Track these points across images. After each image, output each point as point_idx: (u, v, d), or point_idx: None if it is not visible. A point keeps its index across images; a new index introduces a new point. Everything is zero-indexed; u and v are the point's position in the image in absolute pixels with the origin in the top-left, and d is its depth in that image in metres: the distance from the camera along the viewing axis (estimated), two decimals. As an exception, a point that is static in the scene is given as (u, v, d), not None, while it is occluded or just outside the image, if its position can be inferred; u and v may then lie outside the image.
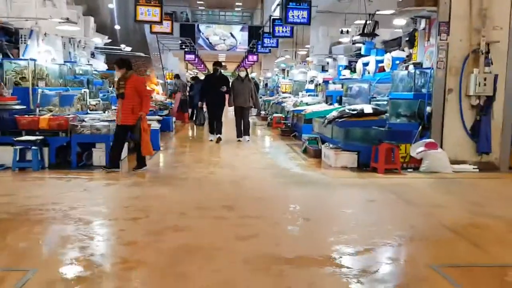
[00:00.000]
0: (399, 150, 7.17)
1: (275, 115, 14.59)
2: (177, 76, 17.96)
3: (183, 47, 29.45)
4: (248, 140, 10.30)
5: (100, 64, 13.48)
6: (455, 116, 7.39)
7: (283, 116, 14.02)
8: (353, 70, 12.72)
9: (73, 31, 10.33)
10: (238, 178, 6.40)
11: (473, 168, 7.31)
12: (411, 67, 8.05)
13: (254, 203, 5.06)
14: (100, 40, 13.08)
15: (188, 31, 31.94)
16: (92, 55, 13.82)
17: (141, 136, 6.66)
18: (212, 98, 10.29)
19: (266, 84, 28.05)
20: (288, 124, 12.94)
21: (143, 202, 5.02)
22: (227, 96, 10.55)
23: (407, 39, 9.17)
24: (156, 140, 8.84)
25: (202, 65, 39.99)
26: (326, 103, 11.49)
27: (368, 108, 7.41)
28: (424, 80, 7.61)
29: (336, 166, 7.48)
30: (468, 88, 7.30)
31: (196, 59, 29.86)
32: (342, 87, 10.77)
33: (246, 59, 30.70)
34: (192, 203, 4.94)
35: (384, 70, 9.74)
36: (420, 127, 7.45)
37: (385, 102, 7.79)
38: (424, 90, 7.54)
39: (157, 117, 9.19)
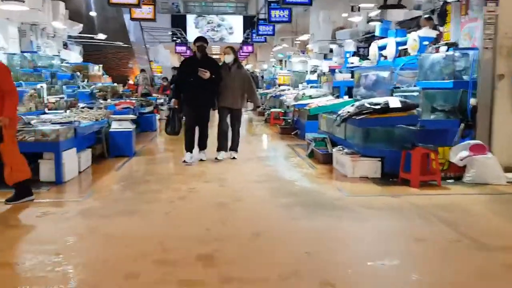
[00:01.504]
0: (438, 157, 5.51)
1: (272, 110, 12.90)
2: (142, 70, 16.13)
3: (174, 39, 27.74)
4: (235, 158, 6.97)
5: (73, 56, 11.77)
6: (507, 109, 5.73)
7: (282, 111, 12.33)
8: (362, 57, 11.04)
9: (33, 16, 8.62)
10: (227, 198, 4.73)
11: (532, 177, 5.66)
12: (443, 48, 6.38)
13: (246, 248, 3.37)
14: (71, 28, 11.36)
15: (180, 22, 30.16)
16: (65, 45, 12.12)
17: (4, 153, 4.46)
18: (192, 93, 6.63)
19: (262, 77, 26.32)
20: (288, 121, 11.26)
21: (81, 248, 3.36)
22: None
23: (426, 17, 7.49)
24: (129, 144, 7.17)
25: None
26: (333, 95, 9.81)
27: (394, 102, 5.74)
28: (465, 65, 5.93)
29: (353, 176, 5.83)
30: (524, 73, 5.65)
31: (188, 51, 28.08)
32: (352, 77, 9.10)
33: (241, 50, 28.98)
34: (153, 250, 3.26)
35: (403, 55, 8.06)
36: (462, 124, 5.78)
37: (414, 94, 6.12)
38: (466, 77, 5.87)
39: (130, 116, 7.49)
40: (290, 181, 5.68)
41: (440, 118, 5.88)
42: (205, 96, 6.72)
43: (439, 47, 6.58)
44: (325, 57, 14.49)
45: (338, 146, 6.61)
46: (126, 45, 14.46)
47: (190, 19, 31.87)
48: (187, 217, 4.11)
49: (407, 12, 10.39)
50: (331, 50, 13.73)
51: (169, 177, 5.78)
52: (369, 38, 10.87)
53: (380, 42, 8.37)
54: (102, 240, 3.53)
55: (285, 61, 19.64)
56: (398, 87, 6.65)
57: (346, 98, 8.78)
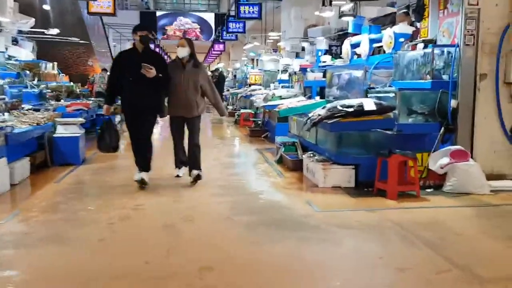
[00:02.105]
0: (417, 165, 4.99)
1: (242, 111, 12.29)
2: (104, 70, 15.22)
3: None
4: (198, 177, 5.36)
5: (23, 52, 10.86)
6: (491, 112, 5.26)
7: (253, 112, 11.74)
8: (335, 56, 10.55)
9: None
10: (178, 217, 4.06)
11: (517, 185, 5.20)
12: (420, 46, 5.88)
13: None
14: (21, 23, 10.45)
15: (149, 20, 29.18)
16: (15, 41, 11.19)
17: None
18: (132, 95, 5.14)
19: (235, 76, 25.66)
20: (259, 122, 10.67)
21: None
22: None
23: (405, 12, 7.01)
24: (76, 151, 6.42)
25: (165, 56, 37.27)
26: (305, 96, 9.26)
27: (369, 104, 5.19)
28: (444, 63, 5.43)
29: (325, 186, 5.26)
30: (508, 73, 5.17)
31: (157, 49, 27.19)
32: (324, 76, 8.55)
33: (212, 49, 28.29)
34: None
35: (378, 53, 7.56)
36: (442, 128, 5.28)
37: (390, 95, 5.58)
38: (445, 77, 5.37)
39: (77, 119, 6.74)
40: (255, 193, 5.06)
41: (419, 122, 5.37)
42: (149, 100, 5.18)
43: (416, 44, 6.09)
44: (297, 55, 13.95)
45: (309, 152, 6.04)
46: (84, 42, 13.56)
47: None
48: (124, 245, 3.43)
49: (381, 9, 9.94)
50: (303, 49, 13.20)
51: (117, 190, 5.07)
52: (342, 35, 10.37)
53: (353, 40, 7.85)
54: (7, 284, 2.83)
55: (257, 60, 19.04)
56: (373, 88, 6.12)
57: (318, 99, 8.24)
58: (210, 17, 27.99)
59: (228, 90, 20.24)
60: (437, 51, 5.36)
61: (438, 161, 5.18)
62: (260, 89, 13.68)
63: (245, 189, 5.32)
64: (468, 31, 5.13)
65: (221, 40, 21.70)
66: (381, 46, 7.05)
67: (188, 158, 5.53)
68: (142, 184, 5.14)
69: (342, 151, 5.38)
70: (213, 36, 26.97)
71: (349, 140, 5.40)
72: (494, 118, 5.26)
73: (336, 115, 5.20)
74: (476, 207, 4.51)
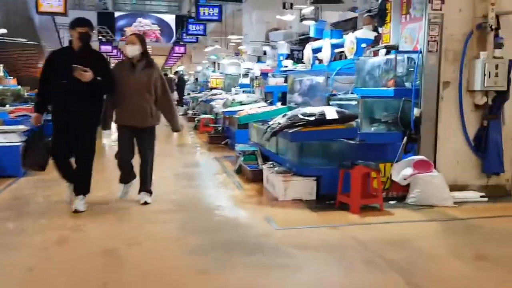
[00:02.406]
0: (380, 176, 4.77)
1: (202, 116, 11.90)
2: None
3: (100, 37, 25.96)
4: (147, 202, 4.73)
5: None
6: (454, 121, 5.12)
7: (213, 117, 11.36)
8: (297, 60, 10.32)
9: None
10: (121, 240, 3.64)
11: (480, 196, 5.07)
12: (382, 51, 5.69)
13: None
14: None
15: (108, 21, 28.27)
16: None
17: None
18: (63, 103, 4.42)
19: (197, 79, 25.17)
20: (219, 129, 10.31)
21: None
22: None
23: (370, 15, 6.85)
24: (16, 162, 5.83)
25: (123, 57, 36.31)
26: (266, 101, 8.98)
27: (331, 112, 4.93)
28: (407, 70, 5.25)
29: (285, 199, 4.97)
30: (471, 81, 5.04)
31: (115, 50, 26.34)
32: (286, 81, 8.30)
33: (173, 52, 27.69)
34: None
35: (339, 59, 7.35)
36: (405, 138, 5.09)
37: (352, 103, 5.36)
38: (408, 85, 5.19)
39: (18, 127, 6.18)
40: (210, 209, 4.70)
41: (381, 131, 5.16)
42: (84, 109, 4.37)
43: (377, 50, 5.90)
44: (259, 59, 13.68)
45: (269, 162, 5.73)
46: (33, 43, 12.79)
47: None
48: (56, 276, 3.00)
49: (342, 13, 9.81)
50: (265, 53, 12.94)
51: (57, 207, 4.59)
52: (304, 40, 10.15)
53: (315, 44, 7.62)
54: None
55: (219, 63, 18.68)
56: (335, 95, 5.89)
57: (279, 105, 7.97)
58: (170, 19, 27.40)
59: (189, 94, 19.77)
60: (399, 57, 5.17)
61: (401, 171, 4.99)
62: (221, 93, 13.32)
63: (200, 204, 4.95)
64: (431, 37, 4.96)
65: (181, 43, 21.15)
66: (343, 52, 6.85)
67: (141, 179, 4.82)
68: (76, 211, 4.35)
69: (303, 162, 5.10)
70: (174, 38, 26.39)
71: (310, 150, 5.14)
72: (458, 127, 5.12)
73: (296, 123, 4.92)
74: (442, 222, 4.32)
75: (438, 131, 5.09)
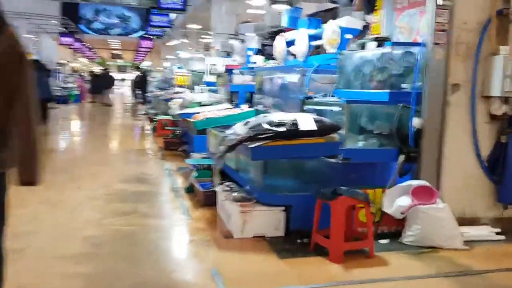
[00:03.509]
0: (370, 210, 3.55)
1: (160, 117, 10.52)
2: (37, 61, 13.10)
3: (62, 29, 24.20)
4: None
5: None
6: (463, 135, 3.95)
7: (172, 119, 10.00)
8: (268, 56, 9.08)
9: None
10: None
11: (496, 233, 3.92)
12: (371, 45, 4.52)
13: None
14: None
15: (72, 12, 26.41)
16: None
17: None
18: None
19: (165, 77, 23.66)
20: (177, 133, 8.96)
21: None
22: None
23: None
24: None
25: (91, 52, 34.39)
26: (231, 103, 7.71)
27: (306, 121, 3.69)
28: (405, 69, 4.06)
29: (244, 236, 3.72)
30: (487, 84, 3.89)
31: (77, 43, 24.54)
32: (254, 80, 7.05)
33: (139, 46, 26.13)
34: None
35: (317, 54, 6.13)
36: (402, 156, 3.90)
37: (333, 108, 4.14)
38: (406, 86, 3.99)
39: None
40: (137, 256, 3.38)
41: (371, 146, 3.96)
42: None
43: (364, 43, 4.71)
44: (229, 55, 12.40)
45: (225, 183, 4.44)
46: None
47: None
48: None
49: (320, 5, 8.63)
50: (232, 47, 11.65)
51: None
52: (277, 33, 8.92)
53: (289, 36, 6.39)
54: None
55: (185, 59, 17.29)
56: (311, 97, 4.67)
57: (245, 107, 6.70)
58: (137, 11, 25.78)
59: (152, 91, 18.28)
60: (396, 51, 3.97)
61: (396, 201, 3.80)
62: (184, 91, 11.97)
63: (125, 245, 3.60)
64: (438, 26, 3.79)
65: (146, 36, 19.66)
66: (321, 45, 5.64)
67: None
68: None
69: (269, 186, 3.86)
70: (141, 32, 24.84)
71: (278, 171, 3.91)
72: (468, 143, 3.96)
73: (260, 136, 3.66)
74: (454, 278, 3.13)
75: (443, 148, 3.92)
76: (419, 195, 3.76)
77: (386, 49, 4.00)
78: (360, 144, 3.93)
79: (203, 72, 13.51)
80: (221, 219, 4.21)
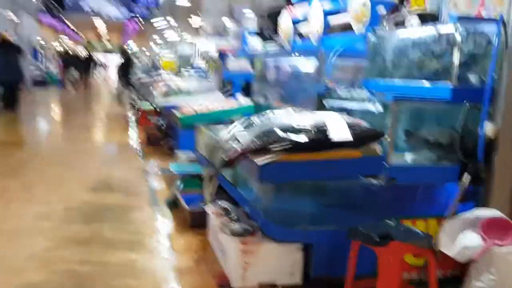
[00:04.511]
0: (434, 264, 2.45)
1: (143, 105, 9.32)
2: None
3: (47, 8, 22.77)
4: None
5: None
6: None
7: (156, 108, 8.82)
8: (267, 38, 7.93)
9: None
10: None
11: None
12: (413, 22, 3.41)
13: None
14: None
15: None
16: None
17: None
18: None
19: (152, 60, 22.34)
20: (161, 125, 7.80)
21: None
22: None
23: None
24: None
25: (74, 33, 32.78)
26: (224, 92, 6.57)
27: (339, 127, 2.57)
28: (471, 56, 2.93)
29: (246, 285, 2.62)
30: None
31: (59, 24, 23.06)
32: (253, 67, 5.91)
33: (125, 28, 24.73)
34: None
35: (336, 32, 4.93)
36: (467, 175, 2.80)
37: (366, 106, 3.02)
38: (474, 79, 2.88)
39: None
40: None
41: (425, 162, 2.85)
42: None
43: (403, 20, 3.60)
44: (221, 37, 11.20)
45: (220, 202, 3.32)
46: None
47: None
48: None
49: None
50: (226, 28, 10.46)
51: None
52: (278, 12, 7.74)
53: (297, 12, 5.23)
54: None
55: (173, 41, 16.02)
56: (330, 90, 3.56)
57: (241, 99, 5.58)
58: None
59: (138, 76, 16.99)
60: (462, 30, 2.84)
61: (459, 237, 2.71)
62: (171, 77, 10.78)
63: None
64: (527, -5, 2.68)
65: (132, 17, 18.31)
66: (344, 23, 4.49)
67: None
68: None
69: (282, 215, 2.75)
70: (128, 14, 23.41)
71: (295, 194, 2.79)
72: (557, 159, 2.88)
73: (272, 146, 2.53)
74: None
75: (522, 166, 2.85)
76: (490, 230, 2.68)
77: (447, 27, 2.88)
78: (409, 158, 2.82)
79: (191, 56, 12.32)
80: (214, 251, 3.11)
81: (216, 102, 5.29)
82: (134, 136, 8.16)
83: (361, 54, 3.74)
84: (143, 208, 4.12)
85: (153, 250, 3.20)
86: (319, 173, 2.58)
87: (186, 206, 3.65)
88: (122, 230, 3.56)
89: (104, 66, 37.33)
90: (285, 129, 2.53)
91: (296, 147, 2.49)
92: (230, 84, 6.62)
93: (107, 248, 3.19)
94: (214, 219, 3.13)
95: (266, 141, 2.52)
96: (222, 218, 3.03)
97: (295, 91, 4.14)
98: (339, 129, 2.55)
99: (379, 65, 3.57)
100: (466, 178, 2.80)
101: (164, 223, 3.71)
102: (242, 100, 5.68)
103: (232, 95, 6.49)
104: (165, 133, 7.38)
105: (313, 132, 2.51)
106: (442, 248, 2.74)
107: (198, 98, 6.07)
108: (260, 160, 2.50)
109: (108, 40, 42.08)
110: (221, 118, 5.06)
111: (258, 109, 5.12)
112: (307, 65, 4.03)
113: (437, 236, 2.79)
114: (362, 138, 2.59)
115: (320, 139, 2.50)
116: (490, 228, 2.67)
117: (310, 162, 2.53)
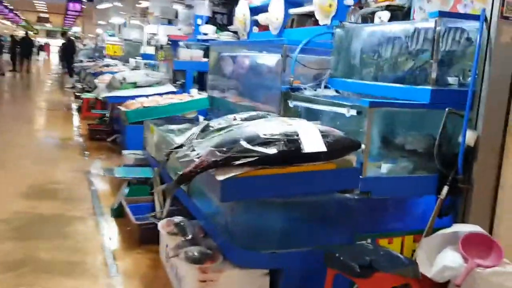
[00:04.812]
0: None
1: (85, 95, 8.64)
2: None
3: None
4: None
5: None
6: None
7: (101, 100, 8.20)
8: (221, 27, 7.50)
9: None
10: None
11: None
12: (382, 15, 3.16)
13: None
14: None
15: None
16: None
17: None
18: None
19: (97, 44, 21.15)
20: (106, 118, 7.23)
21: None
22: None
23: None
24: None
25: (14, 15, 30.62)
26: (175, 83, 6.11)
27: (312, 136, 2.25)
28: (450, 55, 2.68)
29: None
30: None
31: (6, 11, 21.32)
32: (209, 57, 5.48)
33: (68, 10, 23.30)
34: None
35: (292, 26, 4.63)
36: (446, 188, 2.57)
37: (343, 111, 2.71)
38: (452, 81, 2.63)
39: None
40: None
41: (401, 173, 2.59)
42: None
43: (373, 12, 3.33)
44: (171, 23, 10.58)
45: (175, 219, 2.91)
46: None
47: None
48: None
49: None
50: (177, 15, 9.85)
51: None
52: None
53: (256, 0, 4.85)
54: None
55: (119, 26, 15.14)
56: (298, 88, 3.24)
57: (195, 92, 5.17)
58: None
59: (81, 62, 15.98)
60: (442, 26, 2.58)
61: (438, 257, 2.49)
62: (116, 64, 10.13)
63: None
64: (511, -11, 2.45)
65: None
66: (304, 15, 4.18)
67: None
68: None
69: (246, 237, 2.41)
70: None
71: (261, 213, 2.45)
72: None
73: (236, 159, 2.17)
74: None
75: (501, 175, 2.65)
76: (471, 248, 2.47)
77: (427, 23, 2.61)
78: (385, 169, 2.55)
79: (139, 43, 11.63)
80: (167, 274, 2.73)
81: (164, 97, 4.84)
82: (76, 129, 7.53)
83: (326, 49, 3.45)
84: (85, 219, 3.65)
85: (96, 274, 2.78)
86: (289, 189, 2.26)
87: (134, 220, 3.23)
88: (60, 249, 3.09)
89: (45, 50, 35.31)
90: (251, 139, 2.17)
91: (264, 160, 2.14)
92: (181, 75, 6.16)
93: (40, 273, 2.73)
94: (167, 238, 2.74)
95: (229, 152, 2.15)
96: (176, 239, 2.65)
97: (255, 87, 3.78)
98: (312, 139, 2.23)
99: (346, 62, 3.29)
100: (444, 190, 2.57)
101: (108, 238, 3.28)
102: (195, 93, 5.27)
103: (183, 87, 6.05)
104: (111, 127, 6.84)
105: (283, 143, 2.17)
106: (420, 268, 2.51)
107: (147, 90, 5.60)
108: (222, 175, 2.13)
109: (50, 23, 39.84)
110: (172, 113, 4.65)
111: (213, 103, 4.74)
112: (268, 59, 3.68)
113: (414, 254, 2.57)
114: (336, 149, 2.29)
115: (291, 151, 2.17)
116: (470, 245, 2.46)
117: (279, 176, 2.20)
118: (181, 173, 2.23)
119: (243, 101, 4.05)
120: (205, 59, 6.06)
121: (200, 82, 6.17)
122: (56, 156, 5.77)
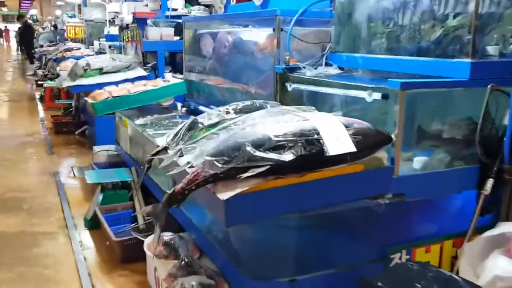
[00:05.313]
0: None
1: (48, 84, 7.89)
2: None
3: None
4: None
5: None
6: None
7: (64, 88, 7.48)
8: (190, 1, 6.89)
9: None
10: None
11: None
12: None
13: None
14: None
15: None
16: None
17: None
18: None
19: (55, 26, 19.91)
20: (71, 109, 6.55)
21: None
22: None
23: None
24: None
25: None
26: (145, 67, 5.50)
27: (335, 135, 1.75)
28: (490, 19, 2.21)
29: None
30: None
31: None
32: (178, 34, 4.86)
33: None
34: None
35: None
36: (490, 180, 2.14)
37: (363, 96, 2.23)
38: (492, 52, 2.17)
39: None
40: None
41: (437, 167, 2.14)
42: None
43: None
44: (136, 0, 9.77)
45: (164, 237, 2.39)
46: None
47: None
48: None
49: None
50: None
51: None
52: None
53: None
54: None
55: (79, 6, 14.13)
56: (297, 67, 2.74)
57: (169, 77, 4.60)
58: None
59: (42, 46, 14.94)
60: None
61: (486, 264, 2.08)
62: (80, 48, 9.35)
63: None
64: None
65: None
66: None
67: None
68: None
69: (253, 260, 1.93)
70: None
71: (272, 229, 1.97)
72: None
73: (241, 169, 1.65)
74: None
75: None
76: (522, 250, 2.07)
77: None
78: (418, 164, 2.09)
79: (102, 23, 10.79)
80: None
81: (134, 84, 4.25)
82: (39, 122, 6.84)
83: (325, 19, 2.94)
84: (54, 235, 3.10)
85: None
86: (309, 201, 1.77)
87: (112, 236, 2.70)
88: (24, 280, 2.55)
89: (3, 35, 33.45)
90: (259, 144, 1.66)
91: (276, 168, 1.64)
92: (152, 57, 5.54)
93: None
94: (156, 263, 2.24)
95: (232, 162, 1.64)
96: (167, 263, 2.16)
97: (241, 68, 3.25)
98: (336, 137, 1.74)
99: (351, 34, 2.78)
100: (489, 183, 2.14)
101: (82, 256, 2.76)
102: (169, 77, 4.70)
103: (155, 69, 5.47)
104: (79, 118, 6.19)
105: (300, 145, 1.67)
106: (462, 274, 2.10)
107: (115, 76, 4.99)
108: (225, 192, 1.63)
109: (5, 6, 37.66)
110: (146, 102, 4.10)
111: (191, 88, 4.20)
112: (256, 34, 3.14)
113: (456, 264, 2.15)
114: (366, 146, 1.80)
115: (311, 155, 1.67)
116: (521, 247, 2.05)
117: (297, 187, 1.71)
118: (170, 192, 1.71)
119: (227, 84, 3.53)
120: (177, 37, 5.47)
121: (173, 64, 5.58)
122: (17, 155, 5.12)
